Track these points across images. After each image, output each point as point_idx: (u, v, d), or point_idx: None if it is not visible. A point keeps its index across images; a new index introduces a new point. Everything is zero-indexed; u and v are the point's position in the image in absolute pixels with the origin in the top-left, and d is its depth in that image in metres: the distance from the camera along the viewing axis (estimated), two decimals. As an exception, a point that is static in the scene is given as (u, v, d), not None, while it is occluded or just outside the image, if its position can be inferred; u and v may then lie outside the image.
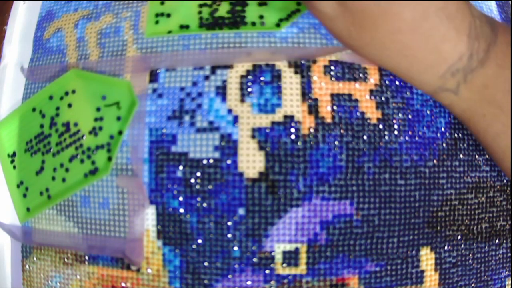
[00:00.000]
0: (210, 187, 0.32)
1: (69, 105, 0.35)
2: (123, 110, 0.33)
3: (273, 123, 0.32)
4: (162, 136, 0.32)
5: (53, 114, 0.35)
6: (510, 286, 0.35)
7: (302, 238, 0.31)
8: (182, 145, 0.32)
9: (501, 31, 0.27)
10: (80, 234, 0.34)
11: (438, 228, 0.33)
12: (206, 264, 0.32)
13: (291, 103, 0.32)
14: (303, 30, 0.33)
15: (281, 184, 0.31)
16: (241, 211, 0.31)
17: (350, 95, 0.32)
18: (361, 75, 0.33)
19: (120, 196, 0.33)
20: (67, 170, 0.34)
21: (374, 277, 0.32)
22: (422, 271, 0.33)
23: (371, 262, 0.32)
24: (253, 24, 0.34)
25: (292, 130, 0.32)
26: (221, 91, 0.32)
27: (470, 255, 0.34)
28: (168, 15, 0.34)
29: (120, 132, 0.33)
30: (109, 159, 0.33)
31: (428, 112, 0.33)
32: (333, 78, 0.33)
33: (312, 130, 0.32)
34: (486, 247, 0.34)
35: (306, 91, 0.32)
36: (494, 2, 0.37)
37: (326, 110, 0.32)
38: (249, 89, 0.32)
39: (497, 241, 0.34)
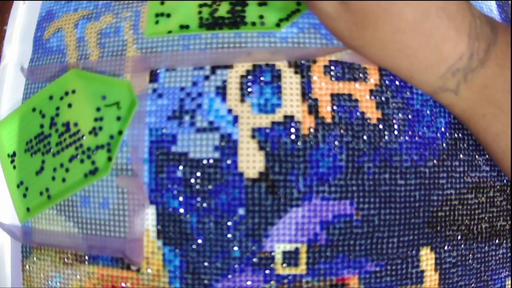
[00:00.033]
0: (210, 187, 0.32)
1: (69, 105, 0.35)
2: (123, 110, 0.33)
3: (273, 123, 0.32)
4: (162, 136, 0.32)
5: (53, 114, 0.35)
6: (510, 286, 0.35)
7: (302, 238, 0.31)
8: (182, 145, 0.32)
9: (501, 31, 0.27)
10: (80, 234, 0.34)
11: (438, 228, 0.33)
12: (206, 264, 0.32)
13: (291, 103, 0.32)
14: (303, 30, 0.33)
15: (281, 184, 0.31)
16: (241, 211, 0.31)
17: (350, 95, 0.32)
18: (361, 75, 0.33)
19: (120, 196, 0.33)
20: (67, 170, 0.34)
21: (374, 277, 0.32)
22: (422, 271, 0.33)
23: (371, 262, 0.32)
24: (253, 24, 0.34)
25: (292, 130, 0.32)
26: (221, 91, 0.32)
27: (470, 255, 0.34)
28: (168, 15, 0.34)
29: (120, 132, 0.33)
30: (109, 159, 0.33)
31: (428, 112, 0.33)
32: (333, 78, 0.33)
33: (312, 130, 0.32)
34: (486, 247, 0.34)
35: (306, 91, 0.32)
36: (494, 2, 0.37)
37: (326, 110, 0.32)
38: (249, 89, 0.32)
39: (497, 241, 0.34)
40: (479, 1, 0.37)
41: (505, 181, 0.34)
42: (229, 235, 0.31)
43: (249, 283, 0.32)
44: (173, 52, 0.33)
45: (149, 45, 0.34)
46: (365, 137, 0.32)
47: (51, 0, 0.39)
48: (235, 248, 0.31)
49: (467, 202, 0.33)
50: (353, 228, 0.31)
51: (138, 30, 0.35)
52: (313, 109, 0.32)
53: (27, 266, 0.36)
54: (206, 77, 0.33)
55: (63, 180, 0.34)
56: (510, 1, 0.38)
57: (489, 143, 0.29)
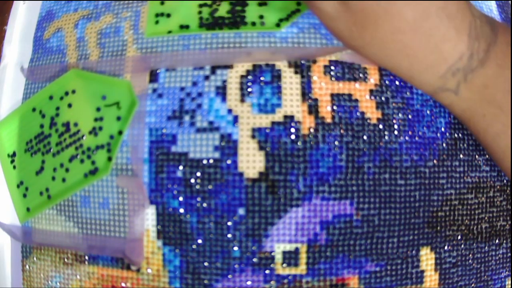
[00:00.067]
0: (210, 187, 0.32)
1: (69, 105, 0.35)
2: (123, 110, 0.33)
3: (273, 123, 0.32)
4: (162, 136, 0.32)
5: (53, 114, 0.35)
6: (510, 286, 0.35)
7: (302, 238, 0.31)
8: (182, 145, 0.32)
9: (501, 31, 0.27)
10: (80, 234, 0.34)
11: (438, 228, 0.33)
12: (206, 264, 0.32)
13: (291, 103, 0.32)
14: (303, 30, 0.33)
15: (281, 184, 0.31)
16: (241, 211, 0.31)
17: (350, 95, 0.32)
18: (361, 75, 0.33)
19: (120, 196, 0.33)
20: (67, 170, 0.34)
21: (374, 277, 0.32)
22: (422, 271, 0.33)
23: (371, 262, 0.32)
24: (253, 24, 0.34)
25: (292, 130, 0.32)
26: (221, 91, 0.32)
27: (470, 255, 0.34)
28: (168, 15, 0.34)
29: (120, 132, 0.33)
30: (109, 159, 0.33)
31: (428, 112, 0.33)
32: (333, 78, 0.33)
33: (312, 130, 0.32)
34: (486, 247, 0.34)
35: (306, 91, 0.32)
36: (494, 2, 0.37)
37: (326, 110, 0.32)
38: (249, 89, 0.32)
39: (497, 241, 0.34)
40: (479, 1, 0.37)
41: (505, 181, 0.34)
42: (229, 235, 0.31)
43: (249, 283, 0.32)
44: (173, 52, 0.33)
45: (149, 45, 0.34)
46: (365, 137, 0.32)
47: (51, 0, 0.39)
48: (235, 248, 0.31)
49: (467, 202, 0.33)
50: (353, 228, 0.31)
51: (138, 30, 0.35)
52: (313, 109, 0.32)
53: (27, 266, 0.36)
54: (206, 77, 0.33)
55: (63, 180, 0.34)
56: (510, 1, 0.38)
57: (489, 143, 0.29)
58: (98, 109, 0.34)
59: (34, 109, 0.36)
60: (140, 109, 0.33)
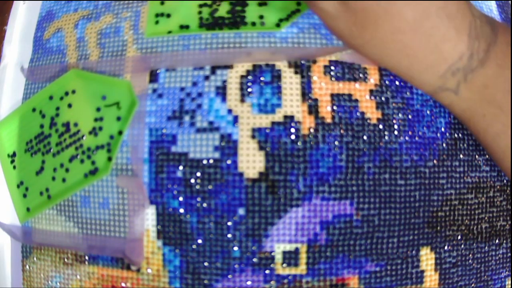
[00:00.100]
0: (210, 187, 0.32)
1: (69, 105, 0.35)
2: (123, 110, 0.33)
3: (273, 123, 0.32)
4: (162, 136, 0.32)
5: (53, 114, 0.35)
6: (510, 286, 0.35)
7: (302, 238, 0.31)
8: (182, 145, 0.32)
9: (501, 31, 0.27)
10: (80, 234, 0.34)
11: (438, 228, 0.33)
12: (206, 264, 0.32)
13: (291, 103, 0.32)
14: (303, 30, 0.33)
15: (281, 184, 0.31)
16: (241, 211, 0.31)
17: (350, 95, 0.32)
18: (361, 75, 0.33)
19: (120, 196, 0.33)
20: (67, 170, 0.34)
21: (374, 277, 0.32)
22: (422, 271, 0.33)
23: (371, 262, 0.32)
24: (253, 24, 0.34)
25: (292, 130, 0.32)
26: (221, 91, 0.32)
27: (470, 255, 0.34)
28: (168, 15, 0.34)
29: (120, 132, 0.33)
30: (109, 159, 0.33)
31: (428, 112, 0.33)
32: (333, 78, 0.33)
33: (312, 130, 0.32)
34: (486, 247, 0.34)
35: (306, 91, 0.32)
36: (494, 2, 0.37)
37: (326, 110, 0.32)
38: (249, 89, 0.32)
39: (497, 241, 0.34)
40: (479, 1, 0.37)
41: (505, 181, 0.34)
42: (229, 235, 0.31)
43: (249, 283, 0.32)
44: (173, 52, 0.33)
45: (149, 45, 0.34)
46: (365, 137, 0.32)
47: (51, 0, 0.39)
48: (235, 248, 0.31)
49: (467, 202, 0.33)
50: (353, 228, 0.31)
51: (138, 30, 0.35)
52: (313, 109, 0.32)
53: (27, 266, 0.36)
54: (206, 77, 0.33)
55: (63, 180, 0.34)
56: (510, 1, 0.38)
57: (489, 143, 0.29)
58: (98, 109, 0.34)
59: (34, 109, 0.36)
60: (140, 109, 0.33)
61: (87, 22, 0.37)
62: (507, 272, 0.35)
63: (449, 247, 0.33)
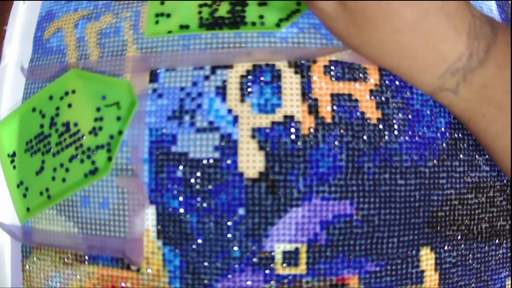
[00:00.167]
0: (210, 187, 0.32)
1: (69, 105, 0.35)
2: (123, 110, 0.33)
3: (273, 123, 0.32)
4: (162, 136, 0.32)
5: (53, 114, 0.35)
6: (510, 286, 0.35)
7: (302, 238, 0.31)
8: (182, 145, 0.32)
9: (501, 31, 0.27)
10: (80, 234, 0.34)
11: (438, 228, 0.33)
12: (206, 264, 0.32)
13: (291, 103, 0.32)
14: (303, 30, 0.33)
15: (281, 184, 0.31)
16: (241, 211, 0.31)
17: (350, 95, 0.32)
18: (361, 75, 0.33)
19: (120, 196, 0.33)
20: (67, 170, 0.34)
21: (374, 277, 0.32)
22: (422, 271, 0.33)
23: (371, 262, 0.32)
24: (253, 24, 0.34)
25: (292, 130, 0.32)
26: (221, 91, 0.32)
27: (470, 255, 0.34)
28: (168, 15, 0.34)
29: (120, 132, 0.33)
30: (109, 159, 0.33)
31: (428, 112, 0.33)
32: (333, 78, 0.33)
33: (312, 130, 0.32)
34: (486, 247, 0.34)
35: (306, 91, 0.32)
36: (494, 2, 0.37)
37: (326, 110, 0.32)
38: (249, 89, 0.32)
39: (497, 241, 0.34)
40: (479, 1, 0.37)
41: (505, 181, 0.34)
42: (229, 235, 0.31)
43: (249, 283, 0.32)
44: (173, 52, 0.33)
45: (149, 45, 0.34)
46: (365, 137, 0.32)
47: (51, 0, 0.39)
48: (235, 248, 0.31)
49: (467, 202, 0.33)
50: (353, 228, 0.31)
51: (138, 30, 0.35)
52: (313, 109, 0.32)
53: (27, 266, 0.36)
54: (206, 77, 0.33)
55: (63, 180, 0.34)
56: (510, 1, 0.38)
57: (489, 143, 0.29)
58: (98, 109, 0.34)
59: (34, 109, 0.36)
60: (140, 109, 0.33)
61: (87, 22, 0.37)
62: (507, 272, 0.35)
63: (449, 247, 0.33)
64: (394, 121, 0.32)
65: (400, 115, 0.33)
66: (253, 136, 0.32)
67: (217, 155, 0.32)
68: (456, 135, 0.33)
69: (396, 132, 0.32)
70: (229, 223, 0.31)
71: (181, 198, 0.32)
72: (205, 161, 0.32)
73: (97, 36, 0.36)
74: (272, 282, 0.31)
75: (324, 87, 0.32)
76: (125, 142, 0.33)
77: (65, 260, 0.35)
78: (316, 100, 0.32)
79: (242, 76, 0.33)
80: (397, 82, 0.33)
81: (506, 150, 0.28)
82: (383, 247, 0.32)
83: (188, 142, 0.32)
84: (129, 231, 0.32)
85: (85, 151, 0.34)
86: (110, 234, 0.33)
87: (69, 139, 0.34)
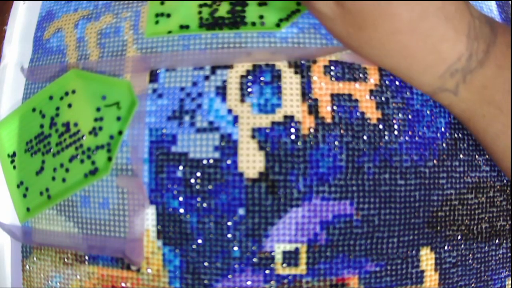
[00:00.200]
0: (210, 187, 0.32)
1: (69, 105, 0.35)
2: (123, 110, 0.33)
3: (273, 123, 0.32)
4: (162, 136, 0.32)
5: (53, 114, 0.35)
6: (510, 286, 0.35)
7: (302, 238, 0.31)
8: (182, 145, 0.32)
9: (501, 32, 0.27)
10: (80, 234, 0.34)
11: (438, 228, 0.33)
12: (206, 264, 0.32)
13: (291, 103, 0.32)
14: (303, 30, 0.33)
15: (281, 184, 0.31)
16: (241, 211, 0.31)
17: (350, 95, 0.32)
18: (361, 75, 0.33)
19: (120, 196, 0.33)
20: (67, 170, 0.34)
21: (374, 277, 0.32)
22: (422, 271, 0.33)
23: (371, 262, 0.32)
24: (253, 24, 0.34)
25: (292, 130, 0.32)
26: (221, 91, 0.32)
27: (470, 255, 0.34)
28: (168, 15, 0.35)
29: (120, 132, 0.33)
30: (109, 159, 0.33)
31: (428, 112, 0.33)
32: (333, 78, 0.33)
33: (312, 130, 0.32)
34: (486, 247, 0.34)
35: (306, 91, 0.32)
36: (494, 2, 0.37)
37: (326, 110, 0.32)
38: (249, 89, 0.32)
39: (497, 241, 0.34)
40: (479, 1, 0.37)
41: (505, 181, 0.34)
42: (229, 235, 0.31)
43: (249, 283, 0.32)
44: (173, 52, 0.33)
45: (149, 45, 0.34)
46: (365, 137, 0.32)
47: (51, 0, 0.39)
48: (235, 248, 0.31)
49: (467, 202, 0.33)
50: (353, 228, 0.32)
51: (138, 30, 0.35)
52: (313, 109, 0.32)
53: (27, 266, 0.36)
54: (206, 77, 0.33)
55: (63, 180, 0.34)
56: (510, 1, 0.38)
57: (489, 143, 0.29)
58: (98, 109, 0.34)
59: (34, 109, 0.36)
60: (140, 109, 0.33)
61: (87, 22, 0.37)
62: (507, 272, 0.35)
63: (449, 247, 0.33)
64: (394, 121, 0.32)
65: (400, 115, 0.33)
66: (253, 136, 0.32)
67: (217, 155, 0.32)
68: (456, 135, 0.33)
69: (396, 132, 0.32)
70: (229, 223, 0.31)
71: (181, 198, 0.32)
72: (205, 161, 0.32)
73: (97, 36, 0.36)
74: (272, 282, 0.32)
75: (324, 87, 0.32)
76: (125, 142, 0.33)
77: (65, 260, 0.35)
78: (316, 100, 0.32)
79: (242, 76, 0.33)
80: (397, 82, 0.33)
81: (506, 150, 0.28)
82: (383, 247, 0.32)
83: (188, 142, 0.32)
84: (129, 231, 0.32)
85: (85, 151, 0.34)
86: (110, 234, 0.33)
87: (69, 139, 0.34)
